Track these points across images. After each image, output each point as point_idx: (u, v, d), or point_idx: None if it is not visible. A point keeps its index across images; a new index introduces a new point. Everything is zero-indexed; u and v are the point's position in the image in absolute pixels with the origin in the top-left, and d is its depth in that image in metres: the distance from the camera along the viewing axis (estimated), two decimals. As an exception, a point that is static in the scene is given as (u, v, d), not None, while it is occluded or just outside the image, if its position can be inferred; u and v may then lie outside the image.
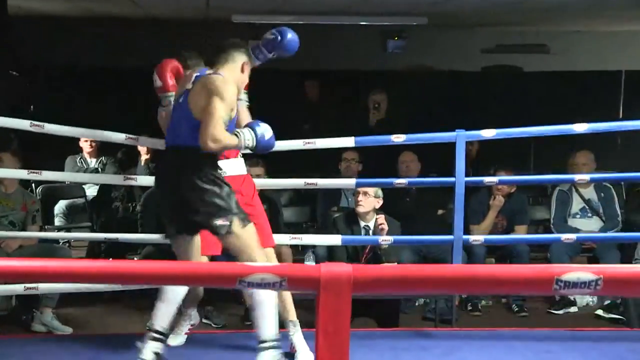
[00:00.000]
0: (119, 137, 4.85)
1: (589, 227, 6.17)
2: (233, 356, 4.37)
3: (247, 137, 3.81)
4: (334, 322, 1.81)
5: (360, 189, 5.56)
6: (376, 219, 5.53)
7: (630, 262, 5.59)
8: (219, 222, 3.72)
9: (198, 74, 3.85)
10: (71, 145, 7.52)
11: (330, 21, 8.72)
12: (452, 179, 5.00)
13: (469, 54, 10.53)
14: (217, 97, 3.67)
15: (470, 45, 10.48)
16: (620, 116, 10.12)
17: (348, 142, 5.03)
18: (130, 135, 4.85)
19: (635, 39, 10.46)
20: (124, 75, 9.36)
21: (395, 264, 5.45)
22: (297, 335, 4.22)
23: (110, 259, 6.64)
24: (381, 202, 5.57)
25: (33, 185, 7.32)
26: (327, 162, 6.79)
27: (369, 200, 5.54)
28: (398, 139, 4.98)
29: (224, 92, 3.70)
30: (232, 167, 4.21)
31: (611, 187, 6.28)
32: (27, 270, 1.90)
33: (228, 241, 3.80)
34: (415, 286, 2.01)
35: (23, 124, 4.85)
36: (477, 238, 5.31)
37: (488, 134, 5.02)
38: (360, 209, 5.56)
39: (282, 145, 4.84)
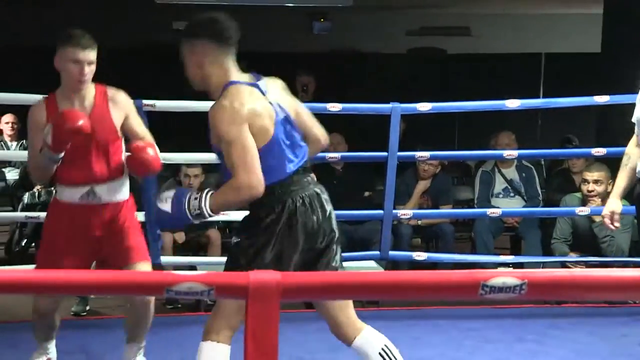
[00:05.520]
0: (36, 98, 4.61)
1: (512, 206, 6.28)
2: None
3: None
4: (262, 328, 1.83)
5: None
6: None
7: (550, 241, 5.75)
8: None
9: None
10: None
11: (256, 3, 8.66)
12: (384, 154, 5.09)
13: (394, 36, 10.60)
14: None
15: (396, 27, 10.55)
16: (541, 98, 10.33)
17: None
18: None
19: (554, 22, 10.67)
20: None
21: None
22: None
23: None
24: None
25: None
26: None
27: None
28: (334, 108, 5.06)
29: None
30: None
31: (532, 167, 6.42)
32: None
33: None
34: (343, 292, 2.04)
35: None
36: (405, 212, 5.49)
37: (424, 107, 5.08)
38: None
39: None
